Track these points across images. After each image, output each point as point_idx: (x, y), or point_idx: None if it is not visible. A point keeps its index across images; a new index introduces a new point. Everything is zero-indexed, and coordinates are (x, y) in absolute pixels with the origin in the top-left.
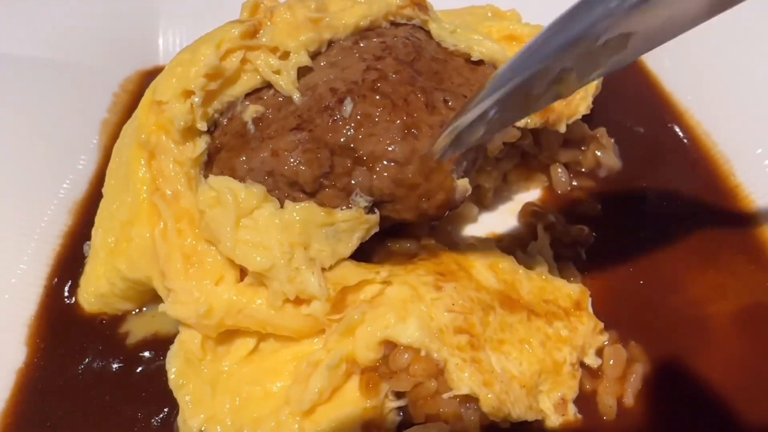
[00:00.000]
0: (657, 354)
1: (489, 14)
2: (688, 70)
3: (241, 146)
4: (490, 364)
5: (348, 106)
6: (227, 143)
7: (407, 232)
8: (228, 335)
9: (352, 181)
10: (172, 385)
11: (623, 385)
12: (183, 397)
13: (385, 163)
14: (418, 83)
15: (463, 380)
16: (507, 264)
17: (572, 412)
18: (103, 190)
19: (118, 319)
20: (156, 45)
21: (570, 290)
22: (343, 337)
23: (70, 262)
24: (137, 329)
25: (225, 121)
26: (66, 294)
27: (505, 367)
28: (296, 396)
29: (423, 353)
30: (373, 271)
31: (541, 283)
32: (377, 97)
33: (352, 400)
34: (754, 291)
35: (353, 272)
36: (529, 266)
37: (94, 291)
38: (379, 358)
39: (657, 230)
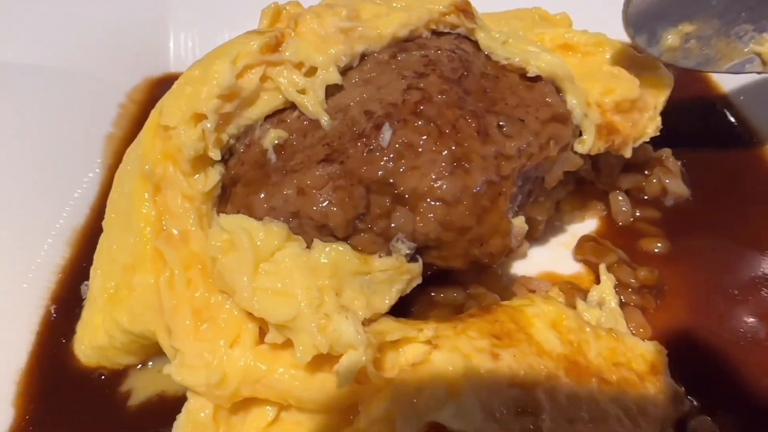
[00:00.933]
0: (745, 425)
1: (537, 18)
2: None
3: (261, 180)
4: None
5: (386, 134)
6: (244, 175)
7: (451, 276)
8: (244, 403)
9: (392, 224)
10: None
11: None
12: None
13: (430, 202)
14: (468, 106)
15: None
16: (572, 321)
17: None
18: (104, 224)
19: (120, 374)
20: (166, 50)
21: (644, 350)
22: (382, 415)
23: (67, 303)
24: (141, 387)
25: (242, 148)
26: (61, 343)
27: None
28: None
29: None
30: (415, 328)
31: (611, 343)
32: (420, 123)
33: None
34: None
35: (392, 327)
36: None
37: (91, 343)
38: None
39: (737, 270)
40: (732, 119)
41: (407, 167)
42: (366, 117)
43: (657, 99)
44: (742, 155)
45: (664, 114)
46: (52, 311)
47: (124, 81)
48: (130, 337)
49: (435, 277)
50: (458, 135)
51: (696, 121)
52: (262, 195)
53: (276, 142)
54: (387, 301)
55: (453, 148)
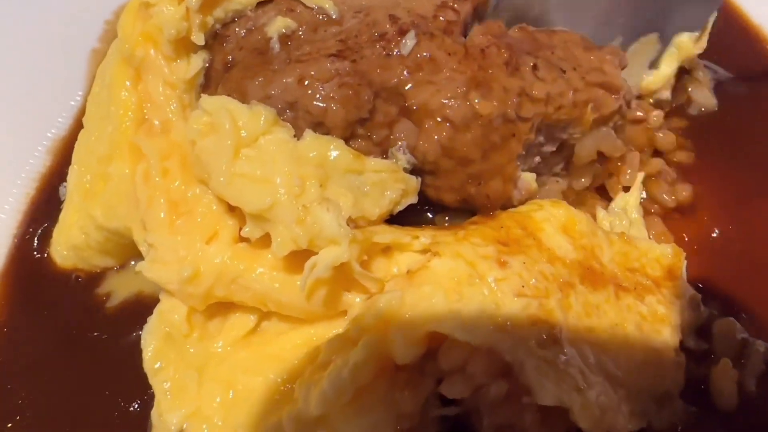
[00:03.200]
0: None
1: None
2: None
3: (260, 66)
4: (579, 362)
5: (409, 42)
6: (241, 60)
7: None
8: (222, 308)
9: (392, 136)
10: (146, 367)
11: (742, 368)
12: (160, 384)
13: (438, 120)
14: (506, 38)
15: (548, 389)
16: (584, 225)
17: (681, 409)
18: (84, 120)
19: (97, 276)
20: None
21: (660, 254)
22: (372, 324)
23: (45, 207)
24: (120, 289)
25: (243, 32)
26: (37, 246)
27: (600, 363)
28: (306, 396)
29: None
30: (410, 235)
31: (624, 248)
32: (448, 41)
33: (381, 405)
34: None
35: (382, 230)
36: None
37: (67, 242)
38: (421, 354)
39: (759, 183)
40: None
41: (423, 80)
42: (390, 21)
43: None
44: None
45: None
46: (30, 216)
47: None
48: (105, 234)
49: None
50: (485, 60)
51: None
52: (260, 79)
53: (282, 31)
54: (378, 210)
55: (476, 69)
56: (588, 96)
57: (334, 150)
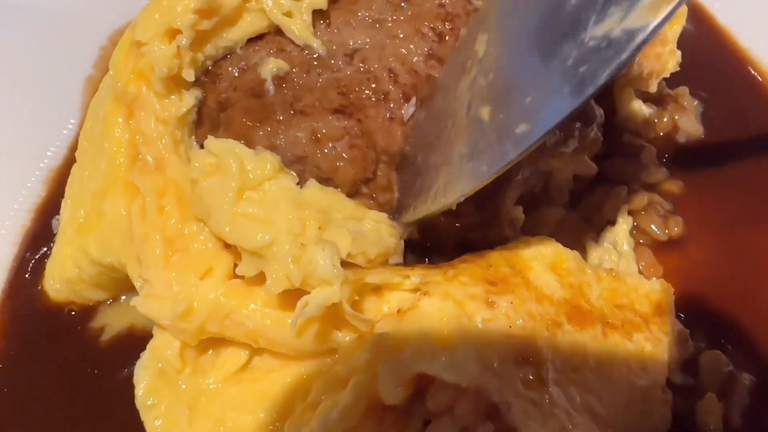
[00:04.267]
0: (762, 360)
1: None
2: None
3: (262, 112)
4: (565, 402)
5: (411, 108)
6: (237, 102)
7: None
8: (214, 343)
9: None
10: (138, 404)
11: (728, 402)
12: (152, 421)
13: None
14: None
15: (534, 430)
16: (572, 262)
17: None
18: (77, 154)
19: (90, 310)
20: None
21: (649, 289)
22: (361, 364)
23: (40, 239)
24: (113, 323)
25: (236, 72)
26: (31, 279)
27: (586, 402)
28: None
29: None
30: (400, 274)
31: (613, 284)
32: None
33: None
34: None
35: (375, 271)
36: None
37: (60, 276)
38: (409, 395)
39: (747, 209)
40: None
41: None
42: (390, 77)
43: (675, 32)
44: (756, 96)
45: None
46: (24, 248)
47: (106, 23)
48: (99, 268)
49: None
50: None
51: (712, 60)
52: (267, 129)
53: (275, 72)
54: (376, 250)
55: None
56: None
57: (336, 198)
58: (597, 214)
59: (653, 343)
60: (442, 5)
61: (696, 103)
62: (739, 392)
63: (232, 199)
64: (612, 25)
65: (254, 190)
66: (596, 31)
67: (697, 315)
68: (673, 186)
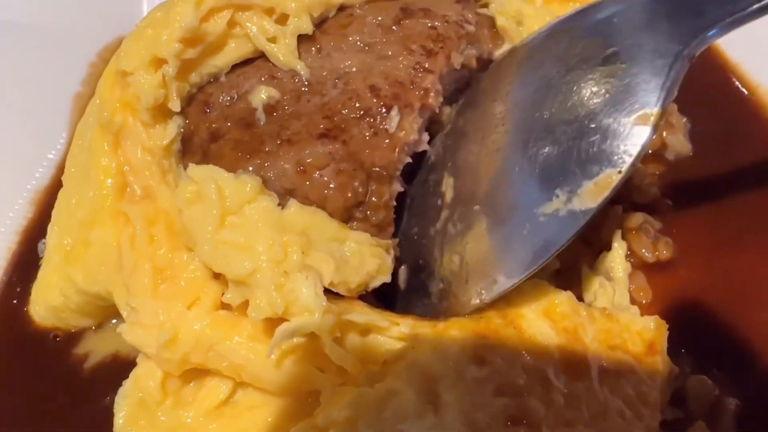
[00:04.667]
0: (748, 384)
1: None
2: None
3: (251, 144)
4: None
5: (395, 119)
6: (228, 132)
7: None
8: (198, 375)
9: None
10: None
11: (714, 428)
12: None
13: None
14: None
15: None
16: (565, 306)
17: None
18: (63, 179)
19: (75, 336)
20: (140, 7)
21: (642, 327)
22: (341, 418)
23: (26, 263)
24: (97, 349)
25: (227, 100)
26: (17, 303)
27: None
28: None
29: None
30: (388, 319)
31: (606, 324)
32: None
33: None
34: None
35: (363, 311)
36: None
37: (46, 303)
38: None
39: (736, 230)
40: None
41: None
42: (371, 93)
43: None
44: (747, 116)
45: None
46: (10, 272)
47: (95, 39)
48: (85, 297)
49: None
50: None
51: (701, 79)
52: (256, 162)
53: (266, 101)
54: (357, 278)
55: None
56: None
57: (318, 219)
58: (595, 234)
59: (647, 384)
60: (433, 27)
61: (684, 120)
62: (726, 418)
63: (215, 227)
64: (558, 206)
65: (235, 215)
66: (545, 209)
67: (683, 338)
68: (663, 205)
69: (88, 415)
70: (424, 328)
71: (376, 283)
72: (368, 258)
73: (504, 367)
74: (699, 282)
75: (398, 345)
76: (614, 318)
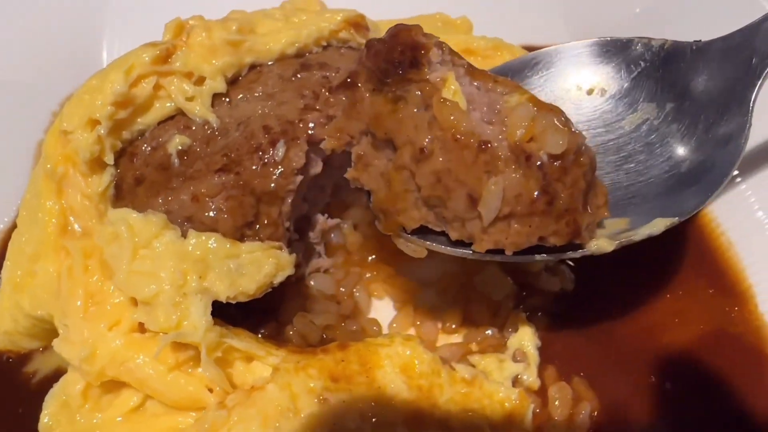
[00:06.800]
0: (606, 389)
1: (440, 24)
2: None
3: (161, 183)
4: None
5: (281, 150)
6: (148, 176)
7: None
8: (117, 385)
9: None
10: (41, 429)
11: (570, 427)
12: None
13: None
14: None
15: None
16: (425, 365)
17: None
18: (17, 221)
19: (25, 356)
20: (100, 58)
21: (504, 396)
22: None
23: None
24: (43, 367)
25: (148, 149)
26: None
27: None
28: None
29: None
30: (265, 349)
31: (465, 388)
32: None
33: None
34: (714, 317)
35: (247, 338)
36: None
37: (0, 328)
38: None
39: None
40: None
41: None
42: (264, 132)
43: None
44: None
45: None
46: None
47: (57, 89)
48: (32, 321)
49: None
50: None
51: None
52: (163, 198)
53: (180, 147)
54: (254, 285)
55: None
56: None
57: (213, 243)
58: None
59: None
60: (325, 77)
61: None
62: (583, 418)
63: (128, 259)
64: None
65: (146, 248)
66: None
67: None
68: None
69: (35, 426)
70: (289, 362)
71: (279, 279)
72: (264, 261)
73: (341, 410)
74: (566, 304)
75: (268, 372)
76: (476, 384)
